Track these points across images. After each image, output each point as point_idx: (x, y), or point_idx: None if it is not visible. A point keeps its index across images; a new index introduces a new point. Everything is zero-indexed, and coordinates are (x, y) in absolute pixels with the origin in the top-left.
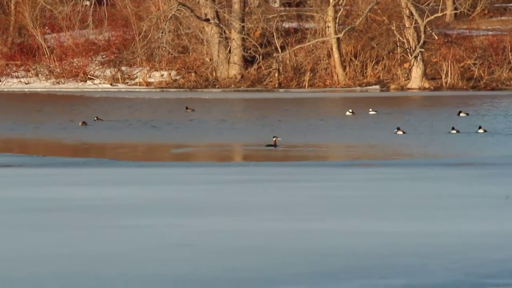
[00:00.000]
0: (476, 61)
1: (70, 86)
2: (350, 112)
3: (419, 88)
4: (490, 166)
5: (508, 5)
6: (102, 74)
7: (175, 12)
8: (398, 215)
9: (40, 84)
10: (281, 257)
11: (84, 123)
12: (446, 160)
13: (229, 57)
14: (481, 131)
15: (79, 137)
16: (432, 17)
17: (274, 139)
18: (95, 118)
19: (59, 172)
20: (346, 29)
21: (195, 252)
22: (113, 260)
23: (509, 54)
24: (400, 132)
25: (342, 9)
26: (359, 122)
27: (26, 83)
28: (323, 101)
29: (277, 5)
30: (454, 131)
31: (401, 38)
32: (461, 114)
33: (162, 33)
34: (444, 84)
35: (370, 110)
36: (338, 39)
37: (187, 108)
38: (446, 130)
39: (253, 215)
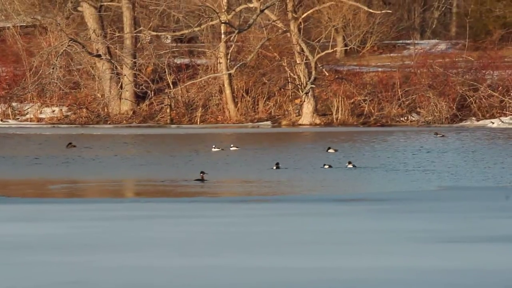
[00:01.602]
0: (366, 97)
1: None
2: (216, 148)
3: (310, 124)
4: (379, 201)
5: (397, 42)
6: None
7: (66, 47)
8: (291, 250)
9: None
10: None
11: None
12: (333, 196)
13: (121, 93)
14: (350, 166)
15: None
16: (323, 53)
17: (201, 174)
18: None
19: None
20: (238, 65)
21: None
22: None
23: (399, 90)
24: (274, 167)
25: (233, 45)
26: (230, 158)
27: None
28: (212, 136)
29: (169, 41)
30: (326, 166)
31: (292, 74)
32: (330, 150)
33: (53, 68)
34: (335, 120)
35: (232, 145)
36: (229, 75)
37: (69, 144)
38: (319, 165)
39: (146, 252)
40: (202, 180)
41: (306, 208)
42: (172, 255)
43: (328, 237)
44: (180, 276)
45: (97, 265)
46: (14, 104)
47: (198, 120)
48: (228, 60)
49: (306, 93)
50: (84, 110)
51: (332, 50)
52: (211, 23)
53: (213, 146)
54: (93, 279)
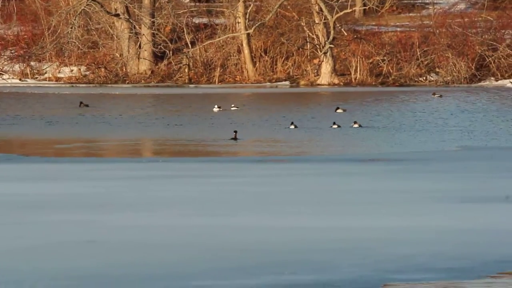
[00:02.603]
0: (385, 57)
1: None
2: (217, 108)
3: (329, 84)
4: (397, 161)
5: (416, 1)
6: (11, 69)
7: (84, 7)
8: (308, 210)
9: None
10: (192, 253)
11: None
12: (351, 155)
13: (139, 53)
14: (356, 125)
15: None
16: (341, 13)
17: (234, 133)
18: None
19: None
20: (256, 24)
21: (104, 248)
22: (21, 256)
23: (417, 50)
24: (292, 127)
25: (252, 4)
26: (245, 117)
27: None
28: (230, 96)
29: (187, 0)
30: (335, 126)
31: (310, 34)
32: (338, 110)
33: (71, 28)
34: (353, 80)
35: (232, 105)
36: (248, 34)
37: (81, 103)
38: (328, 125)
39: (164, 211)
40: (235, 139)
41: (322, 168)
42: (189, 214)
43: (345, 197)
44: (196, 235)
45: (113, 224)
46: (32, 63)
47: (217, 80)
48: (247, 20)
49: (325, 53)
50: (103, 69)
51: (350, 9)
52: None
53: (215, 106)
54: (109, 238)
